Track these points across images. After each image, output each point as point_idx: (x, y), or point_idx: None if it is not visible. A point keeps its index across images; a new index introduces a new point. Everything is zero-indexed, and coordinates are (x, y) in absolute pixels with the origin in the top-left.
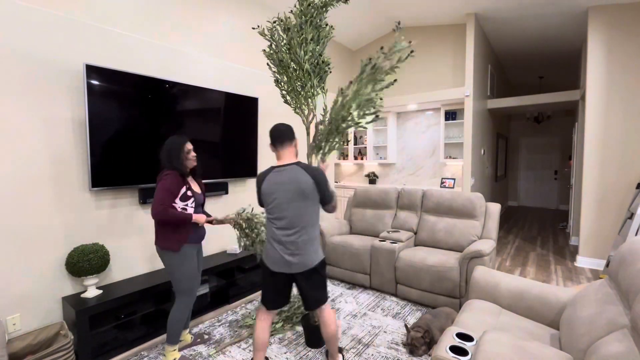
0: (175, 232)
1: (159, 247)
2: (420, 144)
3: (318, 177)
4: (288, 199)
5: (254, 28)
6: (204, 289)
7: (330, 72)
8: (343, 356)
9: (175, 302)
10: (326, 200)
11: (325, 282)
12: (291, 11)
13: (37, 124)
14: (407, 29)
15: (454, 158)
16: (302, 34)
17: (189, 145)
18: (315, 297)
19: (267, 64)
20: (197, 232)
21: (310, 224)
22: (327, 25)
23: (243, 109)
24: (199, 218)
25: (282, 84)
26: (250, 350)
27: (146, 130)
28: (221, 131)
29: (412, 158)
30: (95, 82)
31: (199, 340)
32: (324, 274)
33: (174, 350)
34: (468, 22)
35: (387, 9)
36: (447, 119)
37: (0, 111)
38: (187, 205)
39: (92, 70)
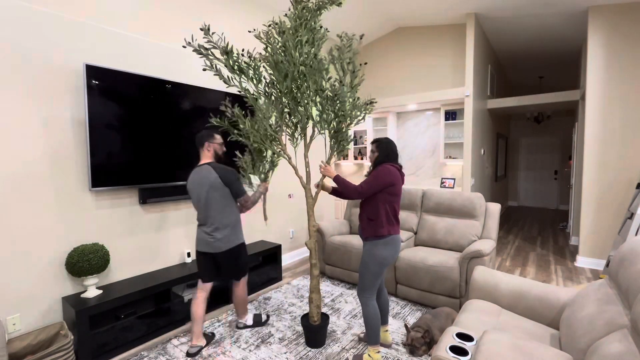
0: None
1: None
2: (420, 144)
3: (224, 175)
4: (203, 192)
5: (250, 31)
6: None
7: (323, 71)
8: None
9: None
10: (235, 194)
11: (241, 262)
12: (285, 14)
13: (37, 124)
14: (407, 29)
15: (454, 158)
16: (296, 37)
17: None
18: (231, 273)
19: (263, 67)
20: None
21: (220, 213)
22: (321, 27)
23: (243, 108)
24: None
25: (277, 85)
26: (249, 350)
27: (146, 131)
28: (221, 131)
29: (412, 158)
30: (95, 82)
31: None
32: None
33: (377, 351)
34: (468, 22)
35: (387, 9)
36: (447, 119)
37: (0, 111)
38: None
39: (92, 70)
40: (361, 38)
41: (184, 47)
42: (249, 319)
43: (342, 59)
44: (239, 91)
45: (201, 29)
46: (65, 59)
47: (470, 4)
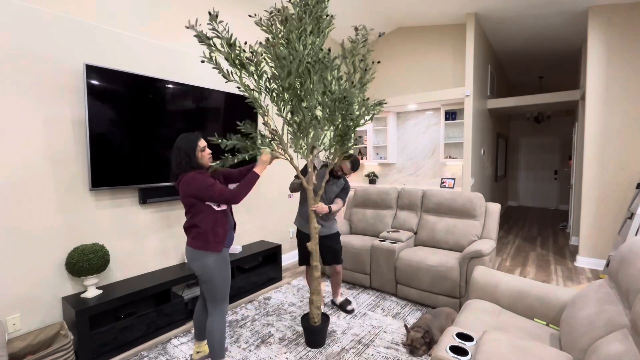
0: (214, 233)
1: (194, 249)
2: (420, 144)
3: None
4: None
5: (250, 16)
6: None
7: (334, 68)
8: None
9: (215, 313)
10: None
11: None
12: (289, 1)
13: (37, 124)
14: (406, 29)
15: (454, 158)
16: (301, 26)
17: (203, 142)
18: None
19: (264, 59)
20: (230, 235)
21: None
22: (327, 16)
23: (243, 109)
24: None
25: (279, 81)
26: (249, 350)
27: (146, 130)
28: (221, 131)
29: (412, 158)
30: (95, 82)
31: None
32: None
33: None
34: (468, 22)
35: (387, 9)
36: (447, 119)
37: (0, 111)
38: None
39: (92, 70)
40: (380, 36)
41: (187, 27)
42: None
43: (355, 54)
44: (238, 87)
45: (209, 13)
46: (65, 59)
47: (470, 4)
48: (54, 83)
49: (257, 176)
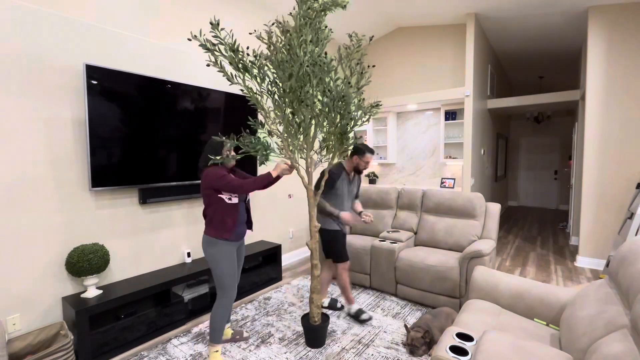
0: (222, 222)
1: (206, 236)
2: (420, 144)
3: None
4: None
5: (250, 33)
6: (204, 289)
7: (332, 72)
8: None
9: (221, 298)
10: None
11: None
12: (290, 14)
13: (37, 124)
14: (407, 29)
15: (454, 158)
16: (301, 36)
17: (228, 147)
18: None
19: (267, 65)
20: (238, 230)
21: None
22: (326, 27)
23: (243, 109)
24: (279, 168)
25: (281, 84)
26: (249, 350)
27: (146, 131)
28: (222, 131)
29: (412, 158)
30: (95, 82)
31: (237, 337)
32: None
33: (216, 351)
34: (468, 22)
35: (387, 8)
36: (447, 119)
37: (0, 111)
38: (231, 195)
39: (92, 70)
40: (371, 40)
41: (189, 39)
42: (325, 301)
43: (350, 59)
44: (241, 89)
45: (211, 23)
46: (65, 59)
47: (470, 4)
48: (54, 83)
49: (269, 176)
